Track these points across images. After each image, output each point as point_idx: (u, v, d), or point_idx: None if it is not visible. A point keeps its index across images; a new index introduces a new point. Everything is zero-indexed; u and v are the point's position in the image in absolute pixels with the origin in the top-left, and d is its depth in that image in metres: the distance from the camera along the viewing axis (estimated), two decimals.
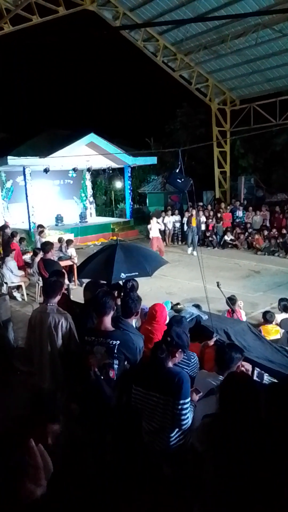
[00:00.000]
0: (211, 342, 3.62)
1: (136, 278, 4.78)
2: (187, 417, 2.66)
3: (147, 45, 15.55)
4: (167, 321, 4.28)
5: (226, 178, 19.28)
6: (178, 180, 5.03)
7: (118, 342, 3.15)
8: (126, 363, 3.23)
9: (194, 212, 14.47)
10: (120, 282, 4.77)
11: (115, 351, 3.13)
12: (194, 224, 14.26)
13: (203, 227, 15.50)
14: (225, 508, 1.98)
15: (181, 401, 2.62)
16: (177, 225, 16.39)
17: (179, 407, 2.62)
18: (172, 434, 2.71)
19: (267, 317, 5.91)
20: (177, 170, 5.08)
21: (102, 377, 3.12)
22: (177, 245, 16.04)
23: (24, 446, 1.04)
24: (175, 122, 25.78)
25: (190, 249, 14.20)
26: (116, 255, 4.70)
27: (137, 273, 4.65)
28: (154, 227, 13.39)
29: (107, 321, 3.31)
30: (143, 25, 15.01)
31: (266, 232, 14.16)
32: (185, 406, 2.64)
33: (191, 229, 14.25)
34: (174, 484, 2.67)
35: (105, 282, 4.53)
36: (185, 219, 15.56)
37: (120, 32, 15.02)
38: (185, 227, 15.47)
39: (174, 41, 15.28)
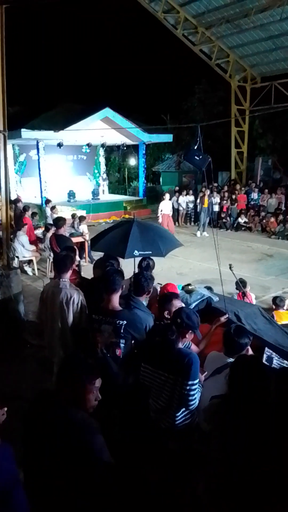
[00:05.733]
0: (223, 319, 3.59)
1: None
2: (195, 398, 2.67)
3: (167, 17, 15.07)
4: None
5: (243, 158, 18.88)
6: (196, 157, 4.86)
7: (125, 322, 3.16)
8: (133, 342, 3.24)
9: (207, 192, 14.21)
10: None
11: (122, 331, 3.15)
12: (205, 205, 14.01)
13: (216, 208, 15.24)
14: (230, 486, 1.99)
15: (190, 382, 2.62)
16: (191, 205, 16.18)
17: (188, 387, 2.63)
18: (179, 413, 2.72)
19: (276, 302, 5.85)
20: (195, 147, 4.92)
21: (108, 355, 3.15)
22: (190, 226, 15.89)
23: None
24: (193, 99, 25.07)
25: (199, 232, 13.98)
26: (131, 231, 4.62)
27: (150, 252, 4.59)
28: (167, 204, 13.25)
29: (115, 299, 3.30)
30: None
31: (281, 216, 13.91)
32: (194, 387, 2.64)
33: (203, 209, 14.02)
34: (179, 460, 2.70)
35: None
36: (198, 200, 15.35)
37: (140, 3, 14.51)
38: (198, 208, 15.23)
39: (196, 14, 14.75)
